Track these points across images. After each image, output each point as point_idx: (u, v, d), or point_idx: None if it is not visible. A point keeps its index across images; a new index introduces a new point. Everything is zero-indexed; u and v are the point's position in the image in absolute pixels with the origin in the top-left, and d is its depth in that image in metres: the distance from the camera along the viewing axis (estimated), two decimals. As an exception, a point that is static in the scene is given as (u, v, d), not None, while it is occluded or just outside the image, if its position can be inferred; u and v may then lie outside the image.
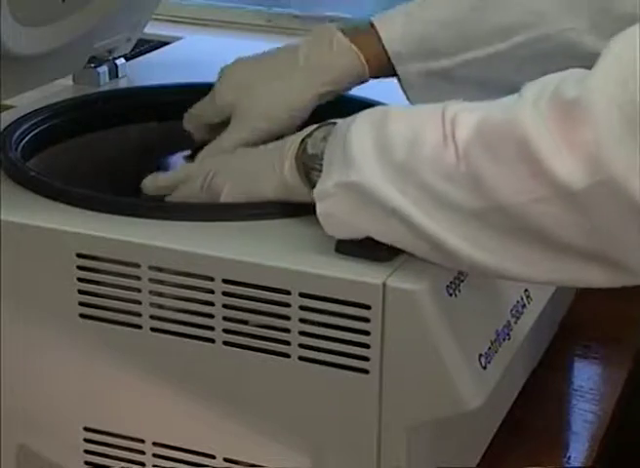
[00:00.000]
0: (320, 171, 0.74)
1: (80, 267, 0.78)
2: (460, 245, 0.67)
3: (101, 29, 1.03)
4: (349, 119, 0.74)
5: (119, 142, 1.02)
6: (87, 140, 1.00)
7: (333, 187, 0.71)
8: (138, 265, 0.76)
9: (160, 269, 0.76)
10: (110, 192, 0.88)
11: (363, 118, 0.73)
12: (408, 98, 0.91)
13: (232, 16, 1.57)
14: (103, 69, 1.08)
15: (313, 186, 0.74)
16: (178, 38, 1.35)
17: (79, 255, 0.77)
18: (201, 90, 1.09)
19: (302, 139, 0.77)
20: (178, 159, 0.97)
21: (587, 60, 0.90)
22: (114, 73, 1.10)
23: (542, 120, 0.60)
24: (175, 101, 1.03)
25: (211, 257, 0.74)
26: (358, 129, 0.72)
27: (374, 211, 0.70)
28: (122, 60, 1.11)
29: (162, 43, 1.38)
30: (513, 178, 0.62)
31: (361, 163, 0.70)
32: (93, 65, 1.07)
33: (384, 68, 0.90)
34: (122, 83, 1.10)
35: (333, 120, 0.77)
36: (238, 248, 0.75)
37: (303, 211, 0.78)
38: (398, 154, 0.68)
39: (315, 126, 0.79)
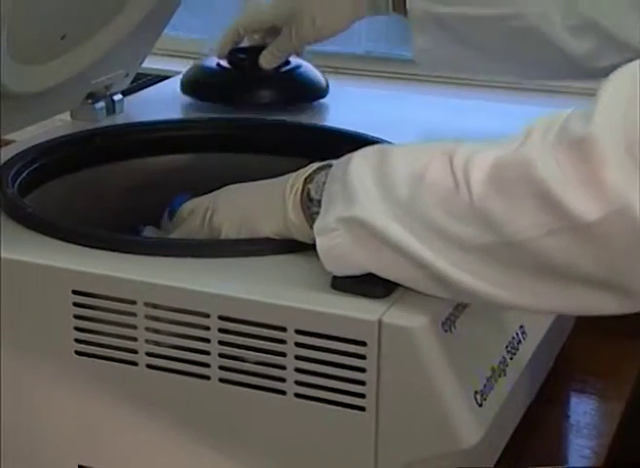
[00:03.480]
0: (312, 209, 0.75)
1: (76, 304, 0.77)
2: (468, 279, 0.67)
3: (99, 66, 1.04)
4: (346, 158, 0.75)
5: (115, 178, 1.02)
6: (83, 176, 1.00)
7: (334, 222, 0.71)
8: (134, 302, 0.76)
9: (156, 306, 0.76)
10: (107, 228, 0.88)
11: (362, 156, 0.73)
12: (413, 49, 1.04)
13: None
14: (101, 105, 1.09)
15: None
16: (176, 72, 1.35)
17: (75, 292, 0.77)
18: (197, 125, 1.10)
19: (305, 180, 0.78)
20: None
21: (556, 53, 0.97)
22: (111, 109, 1.10)
23: (553, 158, 0.61)
24: (171, 137, 1.04)
25: (207, 294, 0.74)
26: (358, 166, 0.72)
27: (376, 246, 0.70)
28: (119, 96, 1.11)
29: (161, 77, 1.39)
30: (525, 214, 0.63)
31: (363, 198, 0.70)
32: (90, 101, 1.08)
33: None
34: (119, 118, 1.10)
35: (332, 161, 0.77)
36: (234, 284, 0.75)
37: (299, 247, 0.78)
38: (401, 192, 0.68)
39: (316, 165, 0.79)
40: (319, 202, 0.75)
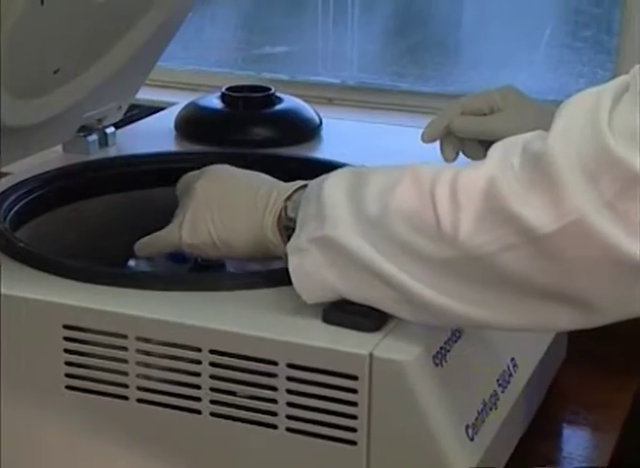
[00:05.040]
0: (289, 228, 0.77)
1: (67, 338, 0.77)
2: (432, 294, 0.68)
3: (92, 99, 1.04)
4: (321, 178, 0.76)
5: (107, 210, 1.02)
6: (75, 209, 1.00)
7: (306, 242, 0.73)
8: (125, 336, 0.76)
9: (147, 340, 0.76)
10: (99, 261, 0.88)
11: (336, 176, 0.75)
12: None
13: (223, 80, 1.59)
14: (93, 138, 1.09)
15: None
16: (170, 103, 1.36)
17: (66, 327, 0.77)
18: (189, 157, 1.10)
19: (285, 200, 0.80)
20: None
21: None
22: (104, 142, 1.10)
23: (512, 174, 0.64)
24: (163, 169, 1.04)
25: (198, 328, 0.74)
26: (332, 185, 0.74)
27: (345, 264, 0.71)
28: (112, 129, 1.12)
29: (153, 108, 1.39)
30: (485, 229, 0.64)
31: (334, 217, 0.72)
32: (83, 134, 1.08)
33: None
34: (111, 151, 1.10)
35: (302, 185, 0.79)
36: (225, 318, 0.75)
37: (289, 280, 0.78)
38: (371, 209, 0.70)
39: (297, 185, 0.81)
40: (295, 220, 0.77)
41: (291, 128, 1.13)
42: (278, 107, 1.14)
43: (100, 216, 1.02)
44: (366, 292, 0.72)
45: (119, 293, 0.78)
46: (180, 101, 1.28)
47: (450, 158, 1.03)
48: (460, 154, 0.98)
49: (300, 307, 0.75)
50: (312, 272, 0.73)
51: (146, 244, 0.90)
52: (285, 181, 1.03)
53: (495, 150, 0.67)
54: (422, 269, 0.68)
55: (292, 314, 0.75)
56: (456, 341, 0.76)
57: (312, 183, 0.77)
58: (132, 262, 0.96)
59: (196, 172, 0.89)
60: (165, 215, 1.02)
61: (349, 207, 0.72)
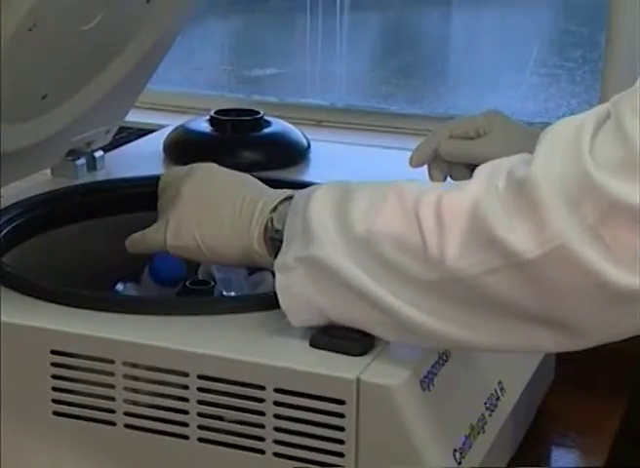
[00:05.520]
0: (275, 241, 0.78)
1: (54, 364, 0.77)
2: (417, 315, 0.68)
3: (80, 123, 1.04)
4: (307, 191, 0.77)
5: (96, 235, 1.02)
6: (63, 233, 1.00)
7: (293, 261, 0.73)
8: (112, 361, 0.76)
9: (134, 365, 0.76)
10: (88, 285, 0.88)
11: (322, 192, 0.75)
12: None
13: (212, 103, 1.59)
14: (82, 162, 1.09)
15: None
16: (159, 125, 1.36)
17: (54, 352, 0.77)
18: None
19: (270, 211, 0.80)
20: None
21: None
22: (92, 165, 1.10)
23: (496, 198, 0.64)
24: (151, 193, 1.04)
25: (185, 353, 0.74)
26: (318, 202, 0.74)
27: (331, 285, 0.71)
28: (100, 153, 1.12)
29: (142, 130, 1.40)
30: (469, 251, 0.65)
31: (321, 236, 0.72)
32: (71, 158, 1.08)
33: None
34: (100, 175, 1.10)
35: (288, 196, 0.80)
36: (212, 342, 0.75)
37: (276, 304, 0.78)
38: (357, 229, 0.70)
39: (283, 195, 0.81)
40: (281, 232, 0.77)
41: (279, 151, 1.14)
42: (266, 131, 1.14)
43: (89, 240, 1.01)
44: (351, 312, 0.72)
45: (106, 318, 0.78)
46: (169, 124, 1.28)
47: (438, 181, 1.03)
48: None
49: (287, 331, 0.75)
50: (298, 292, 0.73)
51: (135, 241, 0.89)
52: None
53: (480, 172, 0.68)
54: (408, 289, 0.68)
55: (279, 338, 0.75)
56: (443, 365, 0.76)
57: (297, 197, 0.78)
58: (120, 286, 0.96)
59: (181, 169, 0.89)
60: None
61: (335, 225, 0.72)
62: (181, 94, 1.63)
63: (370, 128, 1.53)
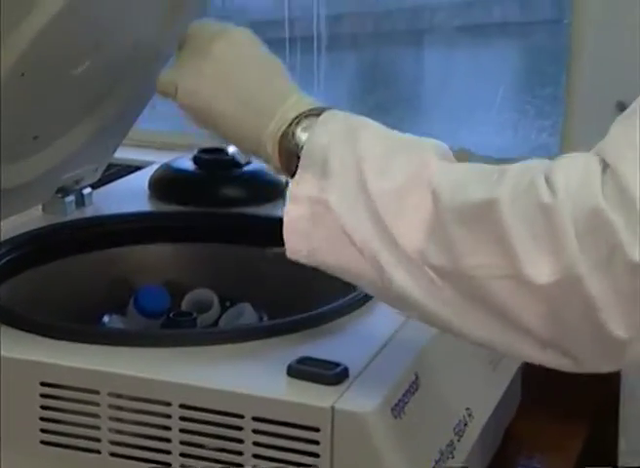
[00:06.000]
0: (295, 155, 0.71)
1: (43, 395, 0.77)
2: (417, 293, 0.66)
3: (70, 162, 1.04)
4: (332, 120, 0.71)
5: (83, 269, 1.02)
6: (52, 268, 1.00)
7: (305, 197, 0.69)
8: (97, 392, 0.75)
9: (119, 395, 0.75)
10: (76, 318, 0.88)
11: (346, 134, 0.69)
12: None
13: (197, 139, 1.59)
14: (70, 199, 1.09)
15: (287, 171, 0.72)
16: (145, 161, 1.37)
17: (43, 384, 0.77)
18: (163, 217, 1.10)
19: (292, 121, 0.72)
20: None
21: None
22: (81, 202, 1.10)
23: (519, 211, 0.61)
24: (137, 228, 1.05)
25: (167, 383, 0.74)
26: (340, 146, 0.69)
27: (336, 235, 0.68)
28: (88, 190, 1.11)
29: (129, 167, 1.39)
30: (485, 253, 0.62)
31: (339, 185, 0.68)
32: (61, 195, 1.08)
33: None
34: (88, 211, 1.10)
35: (316, 108, 0.72)
36: (193, 373, 0.75)
37: (254, 336, 0.78)
38: (375, 185, 0.67)
39: (309, 106, 0.73)
40: (296, 146, 0.71)
41: (257, 188, 1.14)
42: (246, 169, 1.15)
43: (77, 274, 1.01)
44: (349, 263, 0.69)
45: (92, 351, 0.78)
46: (154, 160, 1.28)
47: None
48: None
49: (265, 361, 0.76)
50: (301, 227, 0.70)
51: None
52: (252, 239, 1.05)
53: (508, 172, 0.64)
54: (414, 268, 0.65)
55: (257, 368, 0.75)
56: (413, 394, 0.77)
57: (322, 124, 0.70)
58: (106, 318, 0.96)
59: (215, 24, 0.79)
60: (138, 273, 1.03)
61: (355, 175, 0.67)
62: (167, 132, 1.63)
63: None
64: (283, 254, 0.75)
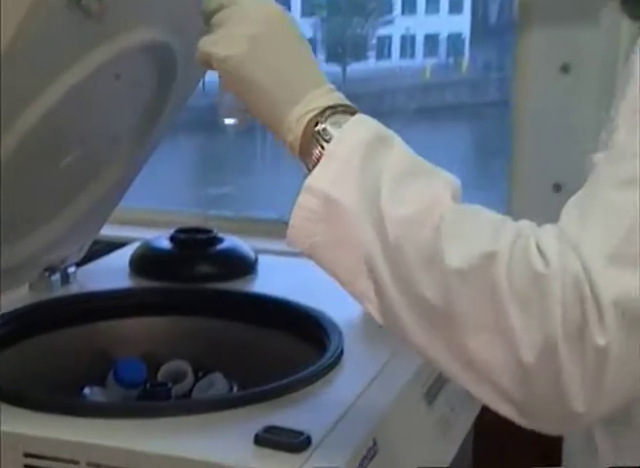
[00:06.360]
0: (317, 145, 0.68)
1: (27, 466, 0.77)
2: (405, 314, 0.64)
3: (57, 243, 1.06)
4: (364, 133, 0.68)
5: (65, 343, 1.03)
6: (35, 344, 1.01)
7: (321, 191, 0.66)
8: (77, 462, 0.76)
9: (97, 465, 0.76)
10: (58, 389, 0.89)
11: (378, 142, 0.67)
12: None
13: (175, 217, 1.61)
14: (56, 277, 1.10)
15: (302, 154, 0.68)
16: (127, 237, 1.38)
17: (26, 455, 0.77)
18: (141, 292, 1.12)
19: (320, 113, 0.69)
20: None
21: None
22: (66, 280, 1.12)
23: (514, 271, 0.60)
24: (116, 305, 1.06)
25: (142, 454, 0.75)
26: (365, 153, 0.66)
27: (341, 235, 0.66)
28: (73, 268, 1.13)
29: (112, 243, 1.41)
30: (474, 304, 0.61)
31: (355, 190, 0.65)
32: (47, 274, 1.10)
33: None
34: (73, 288, 1.12)
35: (346, 105, 0.70)
36: (166, 443, 0.76)
37: (224, 406, 0.80)
38: (387, 208, 0.64)
39: (343, 102, 0.70)
40: (325, 135, 0.68)
41: (229, 265, 1.17)
42: (219, 247, 1.18)
43: (60, 349, 1.02)
44: (343, 263, 0.66)
45: (72, 422, 0.79)
46: (136, 236, 1.30)
47: None
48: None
49: (234, 431, 0.76)
50: (308, 219, 0.66)
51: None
52: (224, 313, 1.07)
53: (507, 226, 0.63)
54: (403, 281, 0.64)
55: (227, 438, 0.76)
56: (371, 459, 0.78)
57: (353, 128, 0.68)
58: (87, 390, 0.97)
59: None
60: (118, 346, 1.04)
61: (373, 187, 0.65)
62: (148, 210, 1.65)
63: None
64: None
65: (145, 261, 1.18)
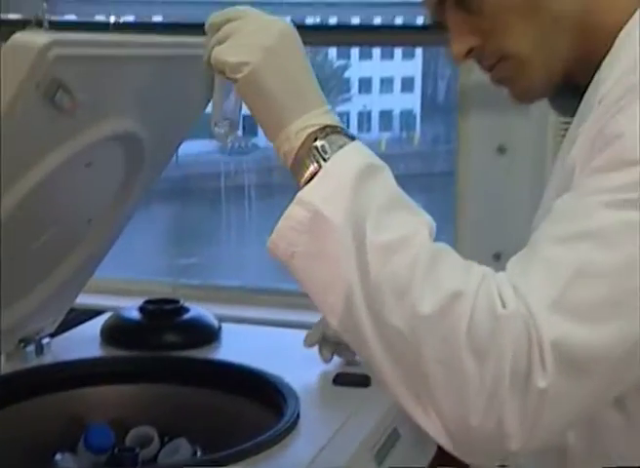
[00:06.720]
0: (314, 160, 0.68)
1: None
2: (369, 332, 0.64)
3: (32, 316, 1.07)
4: (363, 162, 0.68)
5: (37, 411, 1.02)
6: (9, 412, 1.00)
7: (312, 205, 0.66)
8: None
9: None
10: (31, 458, 0.88)
11: (367, 177, 0.67)
12: None
13: (146, 286, 1.63)
14: (31, 348, 1.11)
15: (294, 165, 0.69)
16: (101, 305, 1.39)
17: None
18: (111, 361, 1.13)
19: (318, 130, 0.69)
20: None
21: None
22: (40, 350, 1.12)
23: (476, 310, 0.62)
24: (88, 373, 1.07)
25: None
26: (358, 177, 0.67)
27: (322, 250, 0.65)
28: (47, 339, 1.14)
29: (87, 311, 1.41)
30: (440, 344, 0.62)
31: (343, 210, 0.65)
32: (22, 345, 1.10)
33: None
34: (47, 358, 1.12)
35: (344, 128, 0.70)
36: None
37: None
38: (370, 233, 0.65)
39: (337, 124, 0.71)
40: (319, 154, 0.68)
41: (195, 334, 1.18)
42: (185, 317, 1.19)
43: (34, 416, 1.02)
44: (319, 277, 0.66)
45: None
46: (111, 304, 1.31)
47: (326, 359, 1.08)
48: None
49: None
50: (293, 230, 0.66)
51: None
52: (189, 380, 1.08)
53: (474, 267, 0.65)
54: (374, 302, 0.64)
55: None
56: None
57: (352, 151, 0.68)
58: (59, 456, 0.97)
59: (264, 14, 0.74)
60: (88, 413, 1.05)
61: (361, 210, 0.65)
62: (121, 280, 1.66)
63: (274, 304, 1.57)
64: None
65: (116, 331, 1.19)
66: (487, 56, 0.77)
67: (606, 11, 0.74)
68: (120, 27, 1.50)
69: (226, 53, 0.72)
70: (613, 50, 0.73)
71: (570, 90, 0.77)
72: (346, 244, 0.65)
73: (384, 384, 0.66)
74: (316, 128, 0.69)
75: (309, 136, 0.69)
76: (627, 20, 0.73)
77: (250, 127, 0.85)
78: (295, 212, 0.67)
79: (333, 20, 1.59)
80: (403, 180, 0.69)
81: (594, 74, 0.73)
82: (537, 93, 0.79)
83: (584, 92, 0.74)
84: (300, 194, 0.67)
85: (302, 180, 0.68)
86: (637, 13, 0.73)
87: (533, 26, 0.74)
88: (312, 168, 0.68)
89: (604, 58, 0.73)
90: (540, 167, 1.31)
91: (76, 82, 0.80)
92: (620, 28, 0.73)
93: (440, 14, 0.78)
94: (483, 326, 0.61)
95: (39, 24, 1.48)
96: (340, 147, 0.68)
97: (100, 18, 1.53)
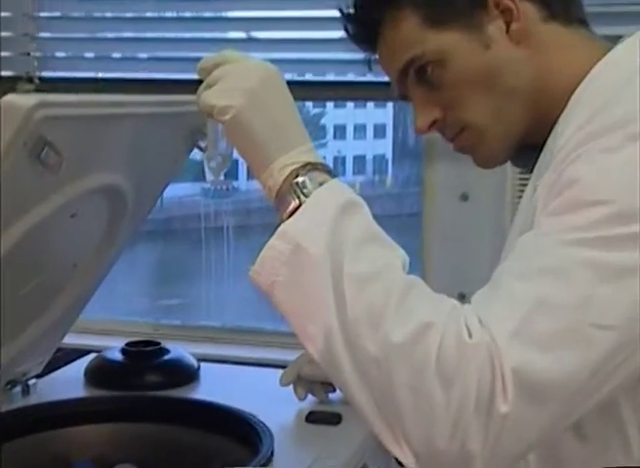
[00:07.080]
0: (295, 196, 0.69)
1: None
2: (347, 365, 0.64)
3: (18, 359, 1.06)
4: (336, 193, 0.69)
5: (23, 450, 1.02)
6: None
7: (293, 238, 0.67)
8: None
9: None
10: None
11: (349, 214, 0.68)
12: None
13: (129, 326, 1.61)
14: (17, 390, 1.10)
15: (277, 200, 0.70)
16: (86, 345, 1.39)
17: None
18: (93, 402, 1.12)
19: (300, 167, 0.70)
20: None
21: None
22: (26, 391, 1.11)
23: (445, 339, 0.62)
24: (71, 413, 1.06)
25: None
26: (338, 214, 0.67)
27: (301, 281, 0.66)
28: (34, 380, 1.13)
29: (75, 351, 1.40)
30: (409, 369, 0.62)
31: (323, 243, 0.66)
32: (9, 387, 1.09)
33: None
34: (32, 399, 1.11)
35: (325, 165, 0.71)
36: None
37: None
38: (347, 265, 0.65)
39: (319, 162, 0.72)
40: (303, 192, 0.69)
41: (174, 374, 1.18)
42: (165, 358, 1.19)
43: (19, 456, 1.01)
44: (298, 308, 0.67)
45: None
46: (96, 344, 1.31)
47: (301, 397, 1.08)
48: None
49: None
50: (276, 259, 0.67)
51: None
52: (169, 418, 1.08)
53: (448, 299, 0.66)
54: (350, 332, 0.64)
55: None
56: None
57: (333, 188, 0.70)
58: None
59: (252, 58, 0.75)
60: (73, 451, 1.04)
61: (339, 245, 0.66)
62: (104, 320, 1.65)
63: (252, 343, 1.57)
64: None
65: (99, 372, 1.18)
66: (449, 127, 0.79)
67: (558, 72, 0.76)
68: (107, 82, 1.51)
69: (213, 97, 0.73)
70: (569, 104, 0.74)
71: (528, 147, 0.79)
72: (324, 275, 0.65)
73: (357, 409, 0.66)
74: (298, 165, 0.70)
75: (291, 172, 0.70)
76: (581, 78, 0.74)
77: (230, 170, 0.85)
78: (276, 243, 0.67)
79: (309, 76, 1.62)
80: (377, 221, 0.70)
81: (551, 129, 0.74)
82: (498, 159, 0.81)
83: (542, 146, 0.76)
84: (281, 227, 0.68)
85: (285, 214, 0.69)
86: (595, 67, 0.74)
87: (490, 99, 0.76)
88: (294, 203, 0.69)
89: (560, 114, 0.74)
90: (500, 213, 1.33)
91: (62, 140, 0.81)
92: (574, 85, 0.74)
93: (403, 88, 0.80)
94: (451, 354, 0.62)
95: (30, 80, 1.49)
96: (321, 184, 0.69)
97: (88, 74, 1.54)
